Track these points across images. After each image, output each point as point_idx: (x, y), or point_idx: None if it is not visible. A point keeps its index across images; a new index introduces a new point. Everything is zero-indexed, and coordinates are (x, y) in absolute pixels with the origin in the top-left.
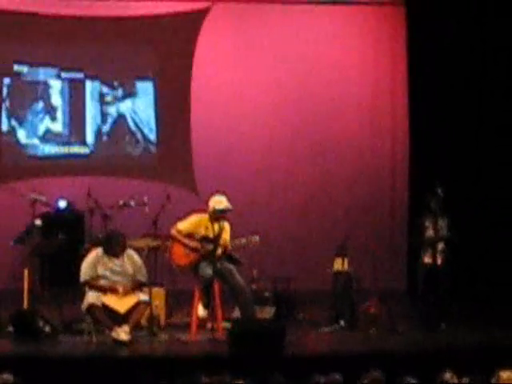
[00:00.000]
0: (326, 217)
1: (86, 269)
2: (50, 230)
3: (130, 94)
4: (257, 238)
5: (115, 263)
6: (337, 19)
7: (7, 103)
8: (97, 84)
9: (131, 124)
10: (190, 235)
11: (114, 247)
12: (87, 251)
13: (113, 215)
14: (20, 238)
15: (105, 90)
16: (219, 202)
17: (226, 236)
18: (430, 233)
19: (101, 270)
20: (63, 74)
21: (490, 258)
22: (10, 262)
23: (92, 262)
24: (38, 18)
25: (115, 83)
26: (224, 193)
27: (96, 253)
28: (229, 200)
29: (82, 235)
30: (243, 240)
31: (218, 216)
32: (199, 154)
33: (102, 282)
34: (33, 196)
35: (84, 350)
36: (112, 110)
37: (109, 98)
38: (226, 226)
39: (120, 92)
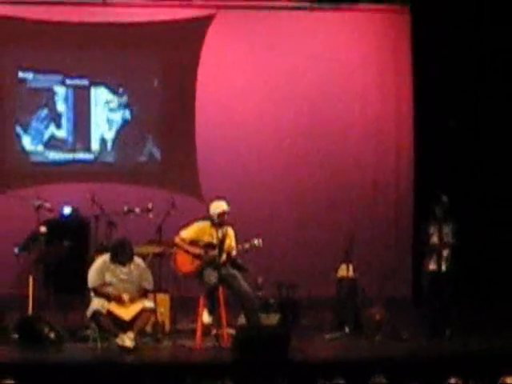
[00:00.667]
0: (331, 223)
1: (94, 276)
2: (54, 236)
3: (134, 100)
4: (260, 241)
5: (122, 271)
6: (341, 26)
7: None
8: (102, 90)
9: (136, 131)
10: (193, 242)
11: (121, 256)
12: (93, 259)
13: (118, 222)
14: (25, 245)
15: (110, 96)
16: (217, 206)
17: (231, 242)
18: (434, 240)
19: (108, 277)
20: (68, 81)
21: (495, 265)
22: (14, 269)
23: (100, 268)
24: (43, 24)
25: (120, 90)
26: (227, 199)
27: (103, 260)
28: (229, 204)
29: (87, 242)
30: (246, 245)
31: (219, 221)
32: (204, 161)
33: (109, 290)
34: (37, 203)
35: (89, 357)
36: (117, 117)
37: (114, 105)
38: (230, 231)
39: (125, 98)
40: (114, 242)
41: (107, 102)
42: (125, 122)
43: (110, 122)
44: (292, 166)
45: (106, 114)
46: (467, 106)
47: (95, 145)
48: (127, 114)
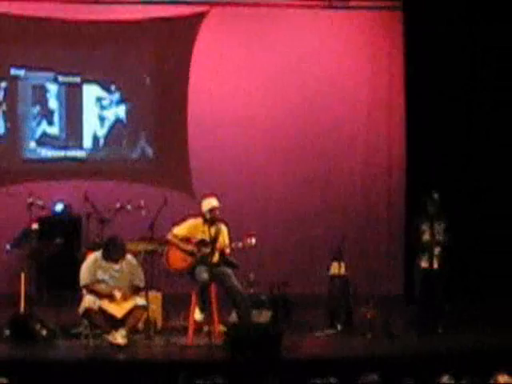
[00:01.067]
0: (323, 221)
1: (85, 273)
2: (46, 233)
3: (127, 97)
4: (253, 240)
5: (114, 268)
6: (334, 24)
7: (4, 107)
8: (94, 88)
9: (128, 128)
10: (186, 239)
11: (113, 253)
12: (84, 256)
13: (109, 219)
14: (17, 242)
15: (102, 93)
16: (207, 203)
17: (224, 239)
18: (426, 237)
19: (100, 275)
20: (60, 78)
21: (487, 262)
22: (6, 266)
23: (91, 265)
24: (36, 21)
25: (112, 87)
26: (218, 196)
27: (95, 257)
28: (219, 200)
29: (79, 239)
30: (240, 243)
31: (210, 217)
32: (196, 158)
33: (101, 287)
34: (29, 200)
35: (81, 354)
36: (109, 114)
37: (106, 102)
38: (223, 229)
39: (117, 96)
40: (106, 239)
41: (99, 100)
42: (117, 120)
43: (101, 119)
44: (284, 164)
45: (98, 111)
46: (459, 103)
47: (87, 142)
48: (120, 111)
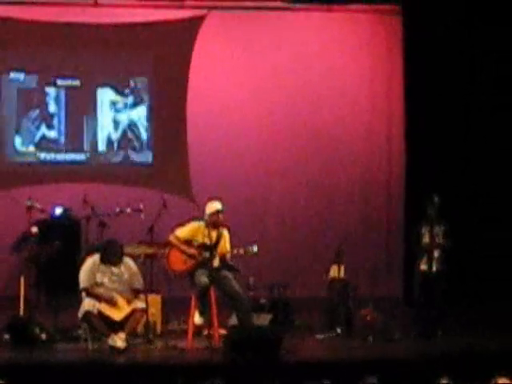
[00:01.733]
0: (323, 224)
1: (84, 276)
2: (46, 237)
3: (126, 102)
4: (255, 248)
5: (113, 271)
6: (333, 28)
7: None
8: (94, 91)
9: (127, 132)
10: (187, 242)
11: (111, 256)
12: (83, 259)
13: (109, 222)
14: (16, 246)
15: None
16: (211, 206)
17: (225, 243)
18: (426, 240)
19: (99, 278)
20: (59, 82)
21: (486, 265)
22: (6, 270)
23: (90, 269)
24: (35, 25)
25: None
26: (219, 198)
27: (93, 260)
28: (223, 205)
29: (78, 242)
30: (241, 250)
31: (212, 221)
32: (196, 161)
33: (100, 290)
34: (29, 203)
35: (80, 357)
36: (108, 118)
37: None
38: (225, 233)
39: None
40: (104, 243)
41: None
42: (116, 123)
43: (101, 122)
44: (284, 168)
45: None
46: (458, 107)
47: (86, 145)
48: (119, 115)
